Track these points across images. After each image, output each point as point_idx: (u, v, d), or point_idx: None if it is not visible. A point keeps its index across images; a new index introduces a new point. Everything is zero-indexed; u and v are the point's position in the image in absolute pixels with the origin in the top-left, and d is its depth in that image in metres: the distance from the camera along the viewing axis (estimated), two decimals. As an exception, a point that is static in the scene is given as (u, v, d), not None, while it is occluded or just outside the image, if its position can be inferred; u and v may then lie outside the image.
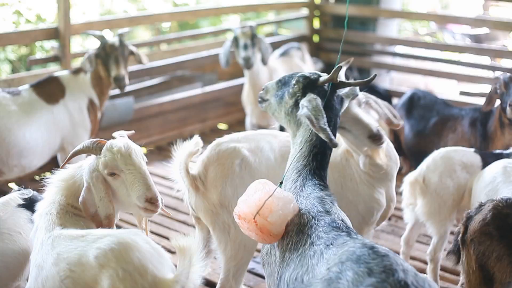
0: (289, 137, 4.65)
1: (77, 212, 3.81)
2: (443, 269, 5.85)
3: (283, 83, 3.74)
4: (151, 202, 3.72)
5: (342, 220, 3.14)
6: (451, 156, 5.39)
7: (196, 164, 4.52)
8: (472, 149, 5.58)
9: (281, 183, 3.59)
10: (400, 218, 6.50)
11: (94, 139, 3.85)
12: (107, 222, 3.72)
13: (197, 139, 4.34)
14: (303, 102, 3.49)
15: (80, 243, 3.41)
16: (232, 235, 4.40)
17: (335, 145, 3.36)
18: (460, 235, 4.18)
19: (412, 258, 5.91)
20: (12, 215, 4.29)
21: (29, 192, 4.48)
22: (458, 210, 5.28)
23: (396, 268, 2.57)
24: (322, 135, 3.35)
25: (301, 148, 3.50)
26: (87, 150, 3.81)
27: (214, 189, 4.38)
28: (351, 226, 3.15)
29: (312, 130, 3.47)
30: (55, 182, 3.90)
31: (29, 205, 4.33)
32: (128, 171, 3.74)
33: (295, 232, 3.12)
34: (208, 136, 4.82)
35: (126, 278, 3.15)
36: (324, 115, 3.41)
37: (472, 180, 5.15)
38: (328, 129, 3.36)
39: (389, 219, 6.74)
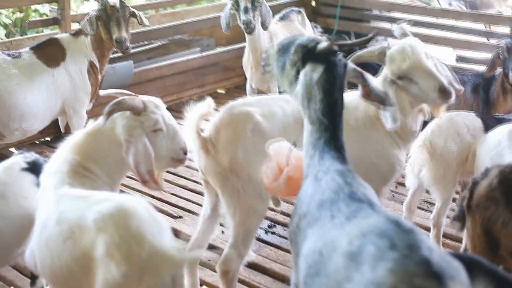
0: None
1: (87, 174, 3.77)
2: (444, 235, 5.87)
3: (283, 50, 3.52)
4: (186, 153, 4.03)
5: (364, 194, 2.98)
6: (454, 120, 5.41)
7: (207, 126, 4.49)
8: (473, 113, 5.63)
9: (294, 143, 3.70)
10: (401, 184, 6.52)
11: (132, 97, 3.89)
12: (149, 178, 3.80)
13: (209, 100, 4.31)
14: (301, 75, 3.35)
15: (81, 204, 3.36)
16: (242, 199, 4.36)
17: (313, 123, 3.29)
18: (466, 201, 4.16)
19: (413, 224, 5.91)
20: (17, 179, 4.26)
21: (32, 156, 4.45)
22: (461, 174, 5.31)
23: (420, 245, 2.41)
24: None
25: (311, 116, 3.34)
26: (130, 108, 3.81)
27: (225, 153, 4.34)
28: (375, 201, 2.99)
29: (319, 99, 3.33)
30: (69, 142, 3.90)
31: (33, 168, 4.30)
32: (171, 125, 3.96)
33: (316, 208, 2.99)
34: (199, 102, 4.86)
35: (123, 245, 3.07)
36: (315, 93, 3.31)
37: (475, 143, 5.17)
38: (310, 110, 3.31)
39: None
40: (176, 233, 5.74)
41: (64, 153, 3.84)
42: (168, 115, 4.00)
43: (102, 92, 4.10)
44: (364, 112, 4.61)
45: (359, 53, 4.54)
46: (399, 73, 4.35)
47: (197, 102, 4.31)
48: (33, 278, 4.52)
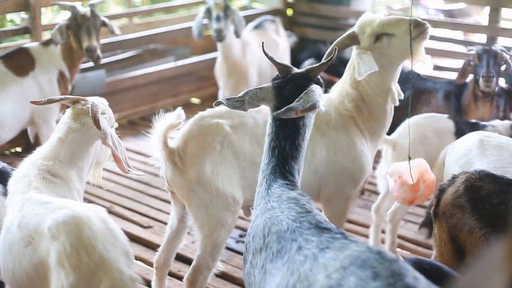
0: None
1: (54, 180, 3.81)
2: (416, 243, 5.87)
3: None
4: None
5: (327, 221, 2.89)
6: (421, 123, 5.50)
7: (175, 137, 4.41)
8: (446, 115, 5.66)
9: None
10: (373, 192, 6.50)
11: (98, 100, 4.07)
12: (126, 166, 4.05)
13: (179, 111, 4.23)
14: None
15: (41, 210, 3.36)
16: (209, 212, 4.29)
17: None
18: (433, 208, 4.16)
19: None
20: None
21: (-1, 165, 4.40)
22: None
23: (405, 273, 2.33)
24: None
25: (265, 145, 3.32)
26: (103, 111, 4.02)
27: (192, 166, 4.26)
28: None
29: (269, 124, 3.37)
30: (41, 148, 4.00)
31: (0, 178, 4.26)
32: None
33: (275, 241, 2.87)
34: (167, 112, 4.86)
35: (72, 255, 3.07)
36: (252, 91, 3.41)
37: (444, 145, 5.16)
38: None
39: (362, 193, 6.73)
40: (146, 243, 5.75)
41: (33, 158, 3.91)
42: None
43: (43, 100, 4.16)
44: (335, 116, 4.64)
45: (333, 45, 4.58)
46: (374, 33, 4.49)
47: (170, 112, 4.25)
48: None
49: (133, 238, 5.66)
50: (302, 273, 2.59)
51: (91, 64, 7.26)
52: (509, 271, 1.26)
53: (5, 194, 3.90)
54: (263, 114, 4.46)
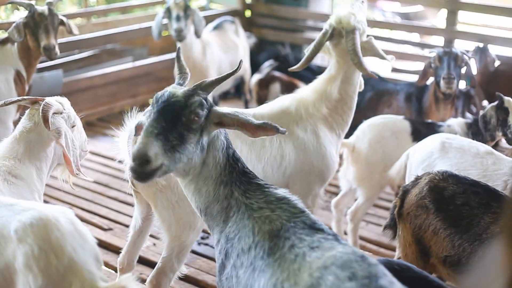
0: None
1: (16, 181, 3.77)
2: (379, 244, 5.88)
3: (167, 128, 2.91)
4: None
5: (319, 221, 2.89)
6: (378, 123, 5.61)
7: None
8: (401, 116, 5.80)
9: None
10: (334, 193, 6.51)
11: (57, 100, 4.06)
12: (76, 169, 4.00)
13: None
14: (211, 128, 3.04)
15: (6, 212, 3.25)
16: (177, 213, 4.22)
17: (218, 164, 3.07)
18: (397, 209, 4.16)
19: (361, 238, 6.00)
20: None
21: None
22: (392, 184, 5.37)
23: (381, 276, 2.40)
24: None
25: (217, 160, 3.06)
26: (57, 110, 3.97)
27: None
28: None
29: (220, 135, 3.10)
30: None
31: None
32: (78, 120, 4.23)
33: (267, 239, 2.83)
34: (139, 111, 4.73)
35: (41, 257, 2.99)
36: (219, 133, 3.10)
37: (401, 145, 5.32)
38: (214, 152, 3.05)
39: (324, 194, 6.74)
40: (106, 245, 5.66)
41: None
42: (74, 112, 4.19)
43: (1, 102, 4.11)
44: (305, 116, 4.66)
45: (352, 46, 4.65)
46: (362, 29, 4.78)
47: (132, 112, 4.17)
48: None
49: (93, 241, 5.57)
50: (291, 272, 2.63)
51: (48, 63, 7.15)
52: (508, 274, 1.25)
53: None
54: None
